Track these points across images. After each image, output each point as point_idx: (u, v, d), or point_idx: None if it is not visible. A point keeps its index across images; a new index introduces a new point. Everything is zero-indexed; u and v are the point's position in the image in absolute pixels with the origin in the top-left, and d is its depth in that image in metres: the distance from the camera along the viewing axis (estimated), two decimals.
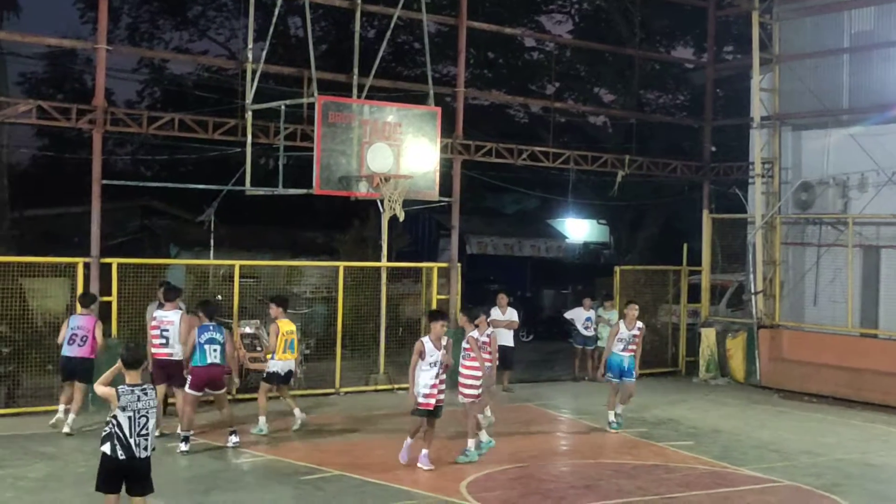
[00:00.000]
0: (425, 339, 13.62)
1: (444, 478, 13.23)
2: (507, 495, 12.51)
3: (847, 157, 22.54)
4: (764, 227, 23.19)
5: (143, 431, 9.13)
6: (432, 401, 13.43)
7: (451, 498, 12.24)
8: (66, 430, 15.01)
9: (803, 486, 13.38)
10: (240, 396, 18.24)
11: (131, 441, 9.08)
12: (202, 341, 14.13)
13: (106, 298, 17.02)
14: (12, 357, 16.81)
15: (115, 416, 9.06)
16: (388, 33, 21.11)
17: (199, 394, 14.29)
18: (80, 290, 16.73)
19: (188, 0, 36.77)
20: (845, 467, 14.52)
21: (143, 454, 9.18)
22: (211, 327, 14.33)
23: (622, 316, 17.36)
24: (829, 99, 23.07)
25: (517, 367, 21.74)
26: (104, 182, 17.36)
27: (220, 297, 19.30)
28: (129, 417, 9.06)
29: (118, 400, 9.04)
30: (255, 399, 18.17)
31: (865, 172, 22.21)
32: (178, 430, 14.43)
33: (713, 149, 26.36)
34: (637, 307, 17.02)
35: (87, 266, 16.94)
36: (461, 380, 14.25)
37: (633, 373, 16.67)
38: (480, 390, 14.28)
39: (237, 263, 19.00)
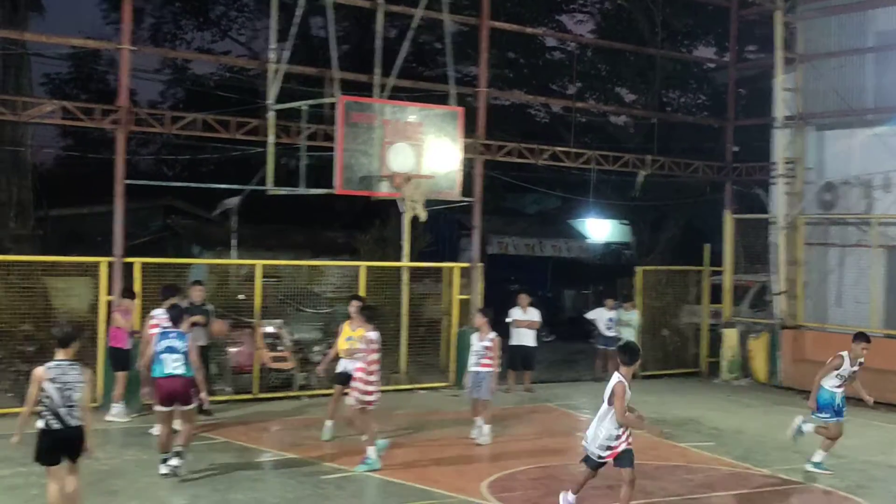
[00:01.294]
0: (623, 380, 10.77)
1: (464, 477, 13.23)
2: (528, 495, 12.50)
3: (871, 157, 22.42)
4: (787, 227, 23.08)
5: (70, 403, 9.82)
6: (617, 450, 10.93)
7: (472, 498, 12.24)
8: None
9: (826, 487, 13.32)
10: (262, 396, 18.31)
11: (61, 411, 9.81)
12: (160, 350, 12.51)
13: None
14: (37, 356, 16.88)
15: (44, 390, 9.79)
16: (410, 33, 21.13)
17: (167, 409, 12.56)
18: (103, 289, 16.89)
19: (211, 1, 36.90)
20: (869, 469, 14.46)
21: (74, 423, 9.89)
22: (172, 334, 12.60)
23: (844, 350, 14.59)
24: (853, 98, 22.94)
25: (538, 367, 21.74)
26: (127, 182, 17.46)
27: (242, 296, 19.37)
28: (58, 388, 9.80)
29: (47, 372, 9.84)
30: (277, 398, 18.34)
31: (890, 172, 22.10)
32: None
33: (735, 149, 26.26)
34: (868, 345, 14.42)
35: (110, 265, 17.04)
36: (354, 383, 13.47)
37: (844, 411, 14.43)
38: (373, 396, 13.42)
39: (259, 263, 19.07)
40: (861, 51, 23.07)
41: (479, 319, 15.50)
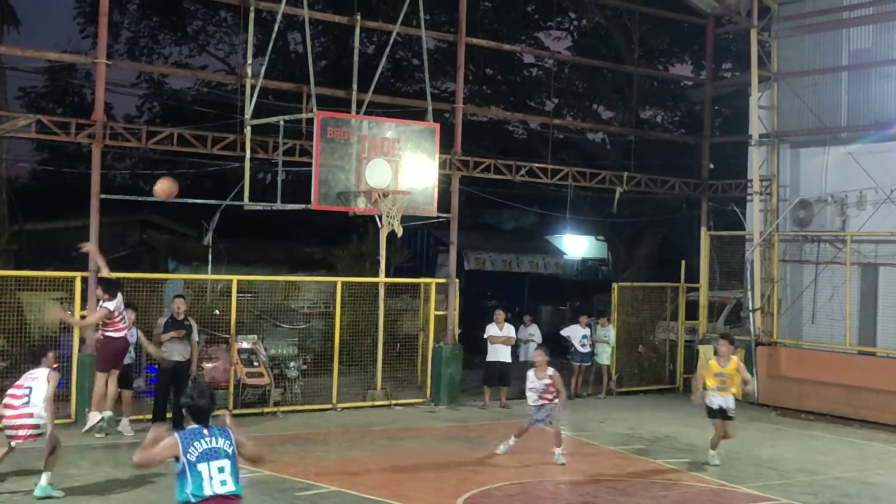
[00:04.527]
0: None
1: (440, 494, 13.20)
2: None
3: (845, 175, 22.57)
4: (762, 244, 23.20)
5: None
6: None
7: None
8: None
9: None
10: (237, 411, 18.20)
11: None
12: (192, 459, 7.70)
13: None
14: (9, 371, 16.75)
15: None
16: (388, 49, 21.20)
17: None
18: (77, 304, 16.74)
19: (188, 15, 36.84)
20: (843, 486, 14.50)
21: None
22: (206, 432, 7.87)
23: None
24: (827, 116, 23.13)
25: (514, 383, 21.72)
26: (103, 196, 17.36)
27: (217, 311, 19.30)
28: None
29: None
30: (252, 414, 18.24)
31: (863, 190, 22.24)
32: None
33: (711, 166, 26.39)
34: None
35: (84, 280, 16.93)
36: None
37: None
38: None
39: (235, 278, 19.00)
40: (835, 69, 23.25)
41: (540, 357, 15.51)
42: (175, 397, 16.87)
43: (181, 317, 16.65)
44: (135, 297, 17.36)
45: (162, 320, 16.71)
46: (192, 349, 16.77)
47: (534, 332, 22.65)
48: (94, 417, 14.54)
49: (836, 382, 20.90)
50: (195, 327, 16.95)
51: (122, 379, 15.76)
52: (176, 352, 16.56)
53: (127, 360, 15.92)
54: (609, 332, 22.78)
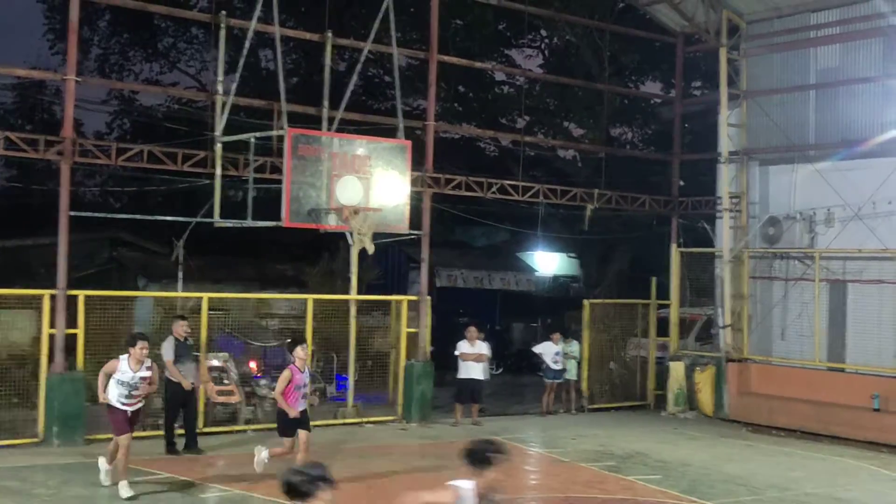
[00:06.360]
0: None
1: None
2: None
3: (813, 192, 22.74)
4: (732, 261, 23.33)
5: None
6: None
7: None
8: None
9: None
10: (207, 430, 18.07)
11: None
12: None
13: (72, 331, 16.86)
14: None
15: None
16: (359, 66, 21.20)
17: None
18: (46, 322, 16.58)
19: (159, 32, 36.73)
20: (813, 501, 14.55)
21: None
22: None
23: None
24: (795, 134, 23.32)
25: (486, 400, 21.72)
26: (72, 213, 17.22)
27: (188, 328, 19.13)
28: None
29: None
30: (223, 433, 18.13)
31: (832, 207, 22.41)
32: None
33: (681, 183, 26.53)
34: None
35: (53, 298, 16.79)
36: None
37: None
38: None
39: (205, 296, 18.89)
40: (803, 87, 23.45)
41: None
42: (186, 418, 16.78)
43: (183, 338, 16.46)
44: (103, 315, 17.22)
45: (168, 344, 16.35)
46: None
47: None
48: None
49: (806, 398, 21.02)
50: (193, 347, 16.88)
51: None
52: (191, 374, 16.42)
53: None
54: (573, 347, 22.86)
